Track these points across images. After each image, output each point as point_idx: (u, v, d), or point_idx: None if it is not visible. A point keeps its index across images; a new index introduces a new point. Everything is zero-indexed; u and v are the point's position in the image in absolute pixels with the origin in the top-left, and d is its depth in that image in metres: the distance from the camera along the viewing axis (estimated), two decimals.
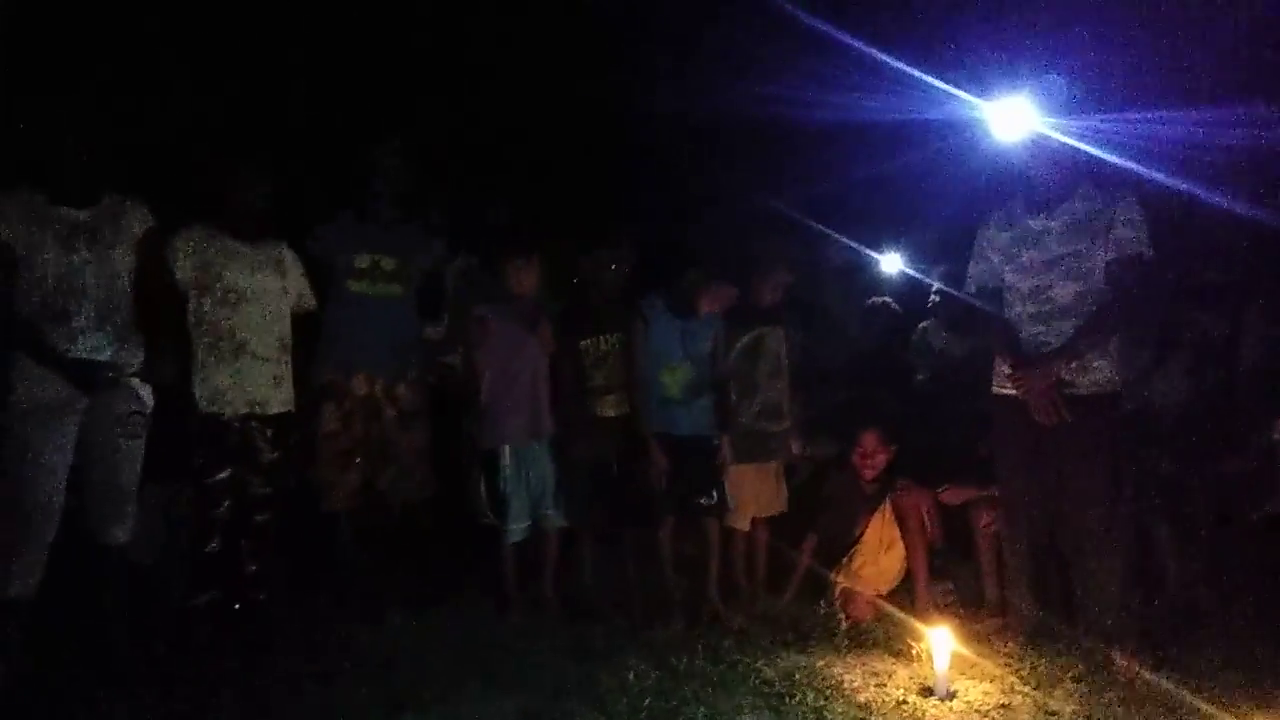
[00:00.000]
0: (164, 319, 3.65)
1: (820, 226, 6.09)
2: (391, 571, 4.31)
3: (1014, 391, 3.83)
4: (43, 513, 3.31)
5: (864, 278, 6.63)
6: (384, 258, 4.24)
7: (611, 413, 4.46)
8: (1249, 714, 3.10)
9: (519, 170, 6.56)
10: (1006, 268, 3.95)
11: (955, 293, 4.65)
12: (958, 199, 4.93)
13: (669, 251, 4.67)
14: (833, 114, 5.82)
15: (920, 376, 5.50)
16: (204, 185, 3.92)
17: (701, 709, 3.22)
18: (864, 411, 4.61)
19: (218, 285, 3.79)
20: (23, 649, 3.34)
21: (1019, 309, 3.90)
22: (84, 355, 3.38)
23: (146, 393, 3.56)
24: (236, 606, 3.87)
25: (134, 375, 3.52)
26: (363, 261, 4.21)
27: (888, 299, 6.07)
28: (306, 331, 4.16)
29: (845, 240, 6.17)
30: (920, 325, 5.74)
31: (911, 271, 6.57)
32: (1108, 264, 3.72)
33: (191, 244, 3.78)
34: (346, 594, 4.21)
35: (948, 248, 5.25)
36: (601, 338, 4.46)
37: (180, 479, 3.94)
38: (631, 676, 3.46)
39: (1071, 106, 3.72)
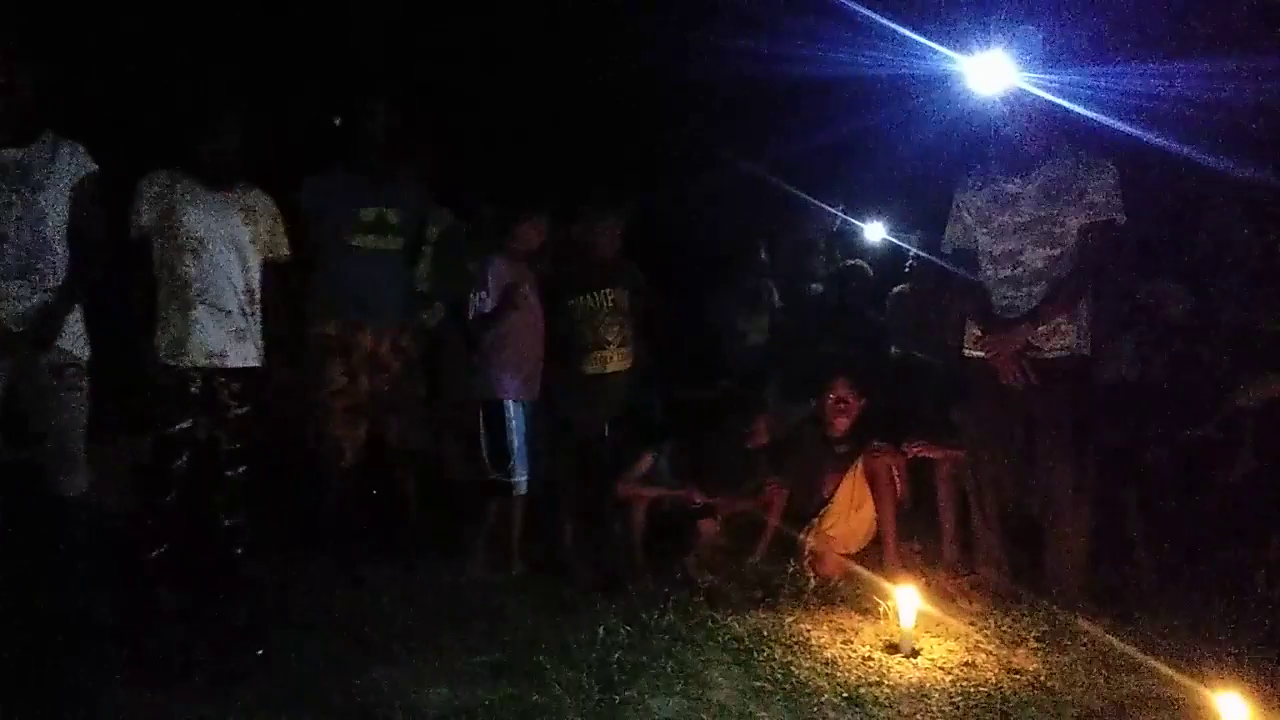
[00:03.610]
0: (93, 281, 3.48)
1: (797, 190, 6.06)
2: (366, 528, 4.31)
3: (983, 354, 3.86)
4: None
5: (850, 240, 6.65)
6: (388, 210, 4.15)
7: (603, 369, 4.45)
8: (1209, 676, 3.15)
9: (506, 129, 6.50)
10: (980, 230, 3.94)
11: (932, 258, 4.66)
12: (937, 159, 4.86)
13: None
14: (803, 70, 5.68)
15: (894, 349, 5.53)
16: (174, 130, 3.79)
17: (671, 663, 3.25)
18: (835, 365, 4.61)
19: (178, 231, 3.65)
20: None
21: (991, 272, 3.90)
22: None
23: (80, 343, 3.43)
24: (212, 561, 3.83)
25: (35, 334, 3.31)
26: (368, 215, 4.12)
27: (860, 262, 6.09)
28: (301, 285, 4.12)
29: (822, 204, 6.17)
30: (894, 290, 5.76)
31: (891, 237, 6.58)
32: (1080, 229, 3.73)
33: (155, 189, 3.66)
34: (322, 549, 4.19)
35: (927, 210, 5.23)
36: (591, 294, 4.45)
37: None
38: (602, 631, 3.47)
39: (1048, 60, 3.69)
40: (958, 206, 4.04)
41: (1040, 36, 3.70)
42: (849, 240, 6.79)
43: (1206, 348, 4.80)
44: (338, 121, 4.51)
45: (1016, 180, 3.84)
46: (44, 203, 3.30)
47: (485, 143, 6.36)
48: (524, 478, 4.27)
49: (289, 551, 4.18)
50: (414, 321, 4.35)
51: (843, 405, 4.42)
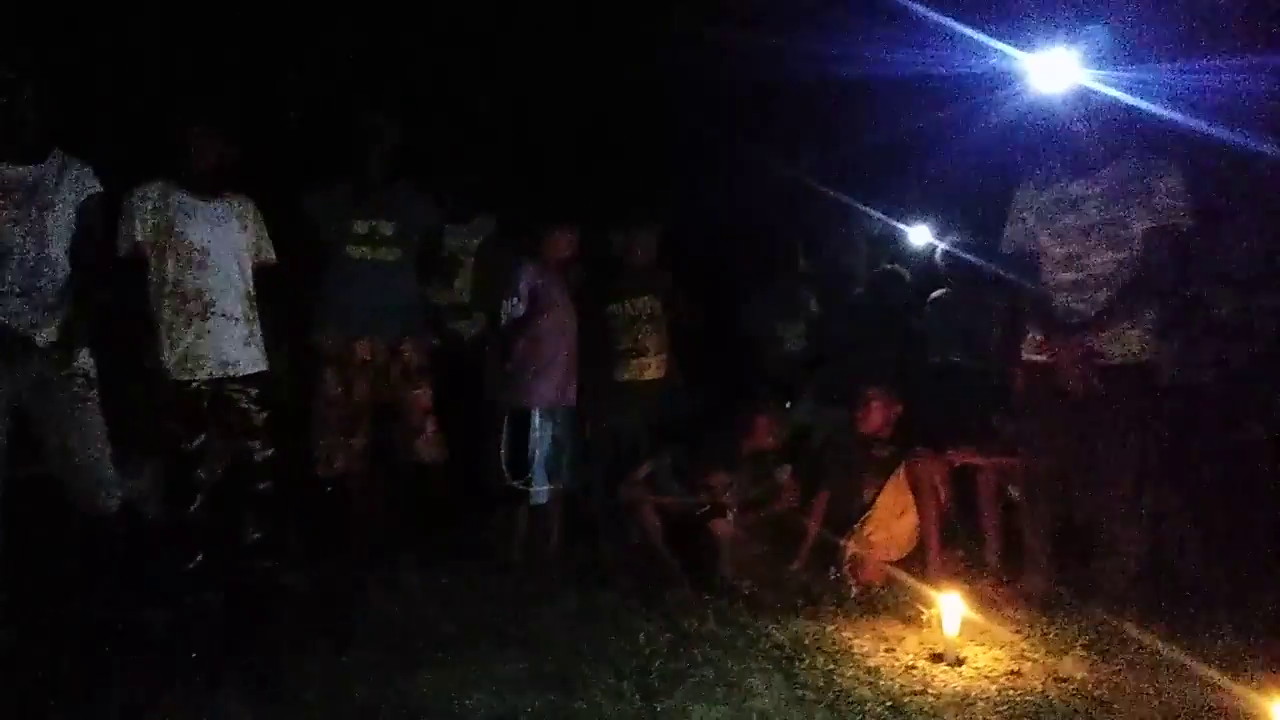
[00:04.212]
0: (105, 286, 3.54)
1: (847, 194, 5.99)
2: (402, 535, 4.33)
3: (1044, 359, 3.79)
4: None
5: (891, 245, 6.57)
6: (382, 222, 4.17)
7: (640, 376, 4.45)
8: (1262, 682, 3.08)
9: (545, 139, 6.51)
10: (1042, 232, 3.86)
11: (970, 257, 4.61)
12: (985, 161, 4.76)
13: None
14: (862, 69, 5.50)
15: (934, 358, 5.47)
16: (163, 141, 3.79)
17: (712, 671, 3.24)
18: (871, 371, 4.59)
19: (180, 244, 3.66)
20: None
21: (1053, 276, 3.82)
22: (2, 320, 3.25)
23: (84, 357, 3.43)
24: (243, 574, 3.87)
25: (62, 342, 3.35)
26: (361, 227, 4.14)
27: (898, 267, 6.04)
28: (301, 294, 4.17)
29: (869, 209, 6.11)
30: (933, 295, 5.70)
31: (933, 239, 6.46)
32: (1145, 233, 3.64)
33: (149, 203, 3.67)
34: (358, 558, 4.22)
35: (975, 212, 5.13)
36: (629, 301, 4.47)
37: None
38: (642, 639, 3.48)
39: (1116, 58, 3.60)
40: (1019, 207, 3.96)
41: (1107, 33, 3.61)
42: (891, 244, 6.70)
43: (1253, 349, 4.70)
44: (292, 114, 4.47)
45: (1081, 181, 3.76)
46: (50, 221, 3.34)
47: (521, 149, 6.36)
48: (543, 488, 4.29)
49: (326, 559, 4.21)
50: (419, 331, 4.33)
51: (873, 409, 4.38)
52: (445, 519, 4.55)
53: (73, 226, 3.40)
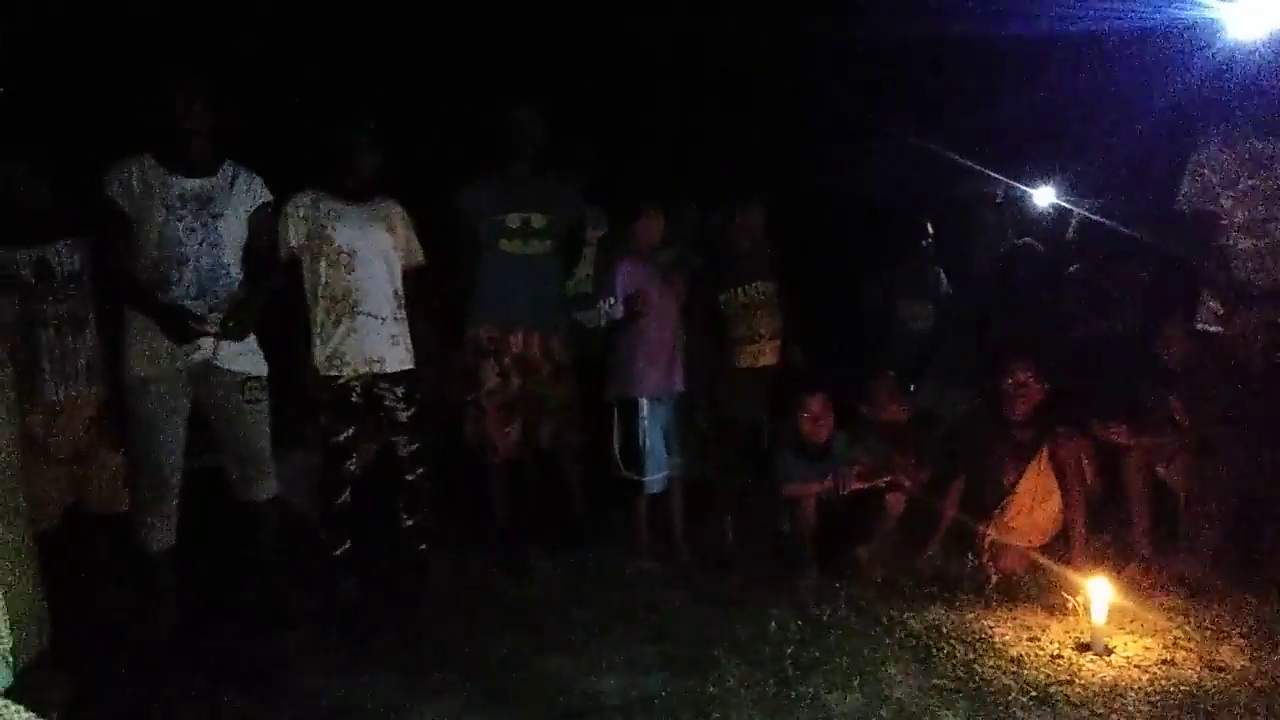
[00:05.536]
0: (276, 290, 3.71)
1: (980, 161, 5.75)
2: (534, 521, 4.41)
3: (1220, 329, 3.59)
4: (168, 469, 3.44)
5: (1027, 215, 6.30)
6: (534, 215, 4.26)
7: (755, 363, 4.43)
8: None
9: (655, 125, 6.48)
10: (1224, 193, 3.62)
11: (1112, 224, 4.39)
12: (1174, 117, 4.40)
13: None
14: (1035, 25, 5.15)
15: (1073, 334, 5.24)
16: (313, 151, 3.94)
17: (846, 659, 3.19)
18: (1011, 348, 4.41)
19: (328, 247, 3.81)
20: (174, 597, 3.51)
21: (1232, 241, 3.59)
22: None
23: (255, 360, 3.60)
24: (396, 558, 4.01)
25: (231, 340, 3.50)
26: (514, 221, 4.23)
27: (1030, 240, 5.81)
28: (456, 290, 4.28)
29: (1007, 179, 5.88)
30: (1070, 269, 5.47)
31: (1070, 207, 6.13)
32: None
33: (302, 210, 3.82)
34: (492, 543, 4.32)
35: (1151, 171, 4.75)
36: (740, 289, 4.45)
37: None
38: (773, 626, 3.45)
39: None
40: (1199, 163, 3.71)
41: None
42: (1027, 214, 6.41)
43: None
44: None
45: (1270, 140, 3.51)
46: (222, 229, 3.53)
47: (634, 136, 6.33)
48: (657, 475, 4.31)
49: (463, 546, 4.32)
50: (565, 324, 4.40)
51: (1023, 390, 4.18)
52: (574, 505, 4.61)
53: (244, 234, 3.61)
